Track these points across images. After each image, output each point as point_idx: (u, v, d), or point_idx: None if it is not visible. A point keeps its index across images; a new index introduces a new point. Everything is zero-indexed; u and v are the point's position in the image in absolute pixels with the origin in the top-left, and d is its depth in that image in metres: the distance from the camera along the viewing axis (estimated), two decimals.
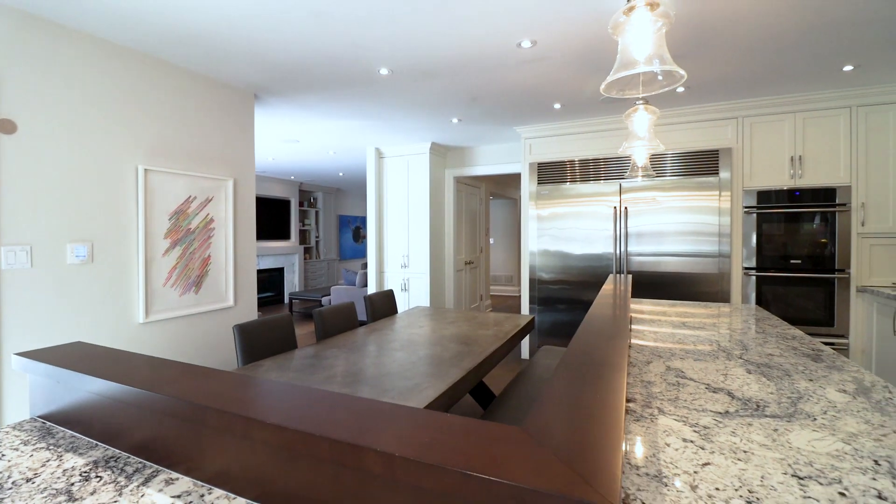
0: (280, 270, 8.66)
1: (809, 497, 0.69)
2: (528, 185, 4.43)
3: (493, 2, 2.11)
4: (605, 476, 0.49)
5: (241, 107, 3.29)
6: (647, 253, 3.92)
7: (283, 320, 2.40)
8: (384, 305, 3.34)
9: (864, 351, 3.35)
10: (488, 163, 5.48)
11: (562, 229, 4.28)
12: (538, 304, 4.40)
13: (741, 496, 0.70)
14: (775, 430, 0.92)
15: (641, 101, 1.94)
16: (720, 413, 1.01)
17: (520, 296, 8.63)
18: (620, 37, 0.99)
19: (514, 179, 7.30)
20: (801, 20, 2.30)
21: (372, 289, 5.56)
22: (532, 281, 4.42)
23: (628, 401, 1.10)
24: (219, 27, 2.35)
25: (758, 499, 0.69)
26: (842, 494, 0.70)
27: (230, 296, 3.20)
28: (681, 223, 3.80)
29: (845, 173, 3.39)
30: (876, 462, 0.80)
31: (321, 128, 4.52)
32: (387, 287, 5.53)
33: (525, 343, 4.64)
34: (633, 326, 1.94)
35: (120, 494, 0.73)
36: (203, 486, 0.76)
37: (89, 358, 1.02)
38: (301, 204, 9.22)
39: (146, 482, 0.77)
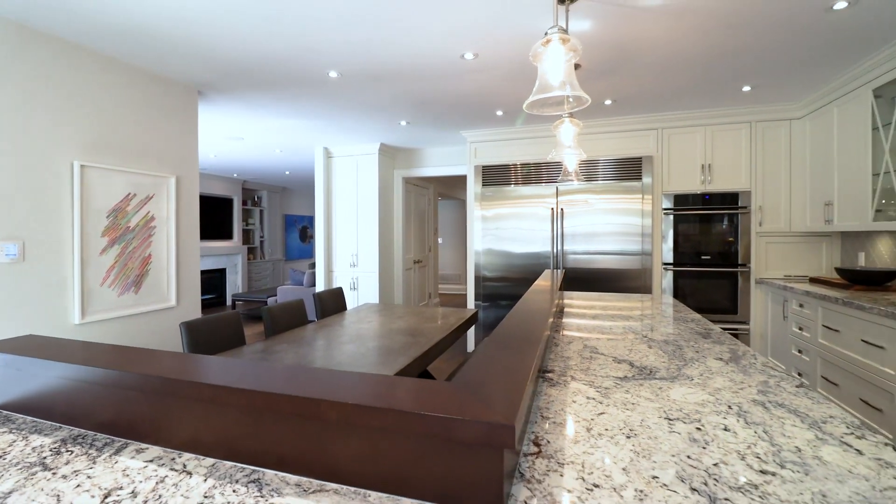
0: (222, 271, 8.37)
1: (674, 431, 0.90)
2: (473, 187, 4.64)
3: (437, 17, 2.27)
4: (509, 408, 0.66)
5: (184, 103, 3.24)
6: (581, 251, 4.25)
7: (230, 317, 2.42)
8: (333, 303, 3.40)
9: (762, 335, 3.84)
10: (436, 164, 5.65)
11: (505, 229, 4.52)
12: (483, 300, 4.62)
13: (623, 433, 0.89)
14: (660, 388, 1.14)
15: (567, 115, 2.18)
16: (620, 378, 1.22)
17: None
18: (539, 64, 1.17)
19: (462, 181, 7.53)
20: (704, 46, 2.64)
21: (320, 288, 5.55)
22: (477, 279, 4.64)
23: (548, 371, 1.29)
24: (163, 23, 2.34)
25: (635, 434, 0.89)
26: (698, 429, 0.91)
27: (172, 296, 3.14)
28: (610, 224, 4.16)
29: (746, 180, 3.88)
30: (729, 407, 1.03)
31: (268, 126, 4.48)
32: (335, 286, 5.55)
33: (471, 338, 4.85)
34: (564, 319, 2.17)
35: (94, 462, 0.81)
36: (173, 451, 0.85)
37: (48, 346, 1.06)
38: (244, 203, 8.96)
39: (117, 452, 0.85)
